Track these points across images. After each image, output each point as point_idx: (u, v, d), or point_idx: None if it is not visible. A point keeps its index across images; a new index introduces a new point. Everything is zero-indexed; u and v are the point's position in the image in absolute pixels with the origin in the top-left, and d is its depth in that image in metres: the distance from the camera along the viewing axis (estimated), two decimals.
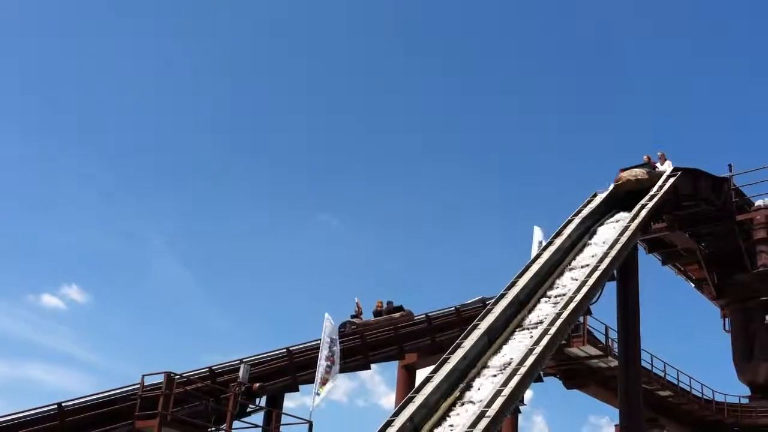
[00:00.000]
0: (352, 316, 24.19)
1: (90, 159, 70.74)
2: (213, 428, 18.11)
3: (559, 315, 15.36)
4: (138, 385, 17.24)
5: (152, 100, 73.15)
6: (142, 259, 71.28)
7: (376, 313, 24.76)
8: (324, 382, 19.51)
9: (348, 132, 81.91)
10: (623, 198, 21.17)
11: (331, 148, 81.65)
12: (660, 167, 21.71)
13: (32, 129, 65.91)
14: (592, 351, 28.99)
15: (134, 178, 72.78)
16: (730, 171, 23.57)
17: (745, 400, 33.30)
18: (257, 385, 18.98)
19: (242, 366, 18.68)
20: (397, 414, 13.17)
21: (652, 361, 31.70)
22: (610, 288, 18.56)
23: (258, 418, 19.63)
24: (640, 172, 20.04)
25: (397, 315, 24.69)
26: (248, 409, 19.30)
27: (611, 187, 21.75)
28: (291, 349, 20.78)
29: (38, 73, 66.61)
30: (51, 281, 74.39)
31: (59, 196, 66.08)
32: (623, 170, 20.23)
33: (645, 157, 22.27)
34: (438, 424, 13.20)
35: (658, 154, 22.39)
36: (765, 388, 23.37)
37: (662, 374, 32.65)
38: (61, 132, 69.02)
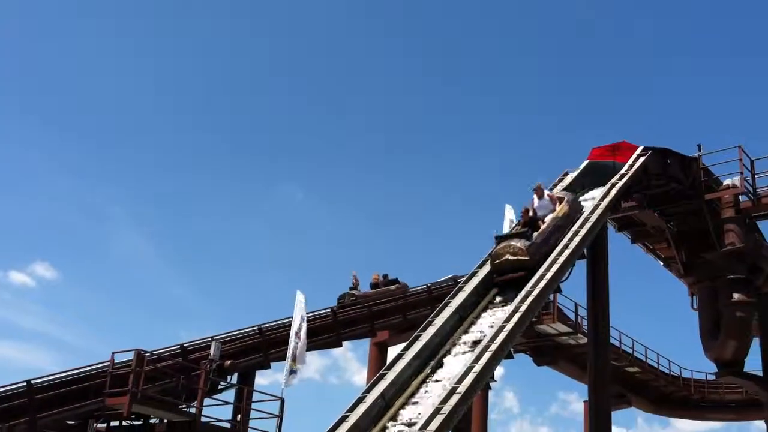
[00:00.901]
0: (351, 289, 24.69)
1: (54, 134, 69.78)
2: (184, 405, 18.09)
3: (530, 293, 15.47)
4: (108, 363, 17.18)
5: (114, 76, 72.20)
6: (110, 236, 70.70)
7: (373, 285, 25.20)
8: (295, 360, 19.54)
9: (313, 110, 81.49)
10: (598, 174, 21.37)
11: (295, 126, 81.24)
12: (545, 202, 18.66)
13: None
14: (562, 328, 29.37)
15: (99, 153, 71.96)
16: (699, 151, 23.74)
17: (711, 377, 33.92)
18: (229, 362, 19.00)
19: (213, 343, 18.68)
20: (368, 391, 13.25)
21: (620, 338, 32.25)
22: (580, 266, 18.73)
23: (229, 395, 19.68)
24: (519, 248, 16.21)
25: (393, 287, 25.16)
26: (220, 386, 19.34)
27: (583, 164, 21.90)
28: (262, 326, 20.80)
29: None
30: (19, 258, 73.54)
31: (22, 172, 65.18)
32: (499, 239, 16.92)
33: (536, 185, 19.04)
34: (409, 400, 13.30)
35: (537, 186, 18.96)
36: (731, 364, 23.67)
37: (630, 351, 33.20)
38: (24, 103, 67.97)
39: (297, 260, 76.64)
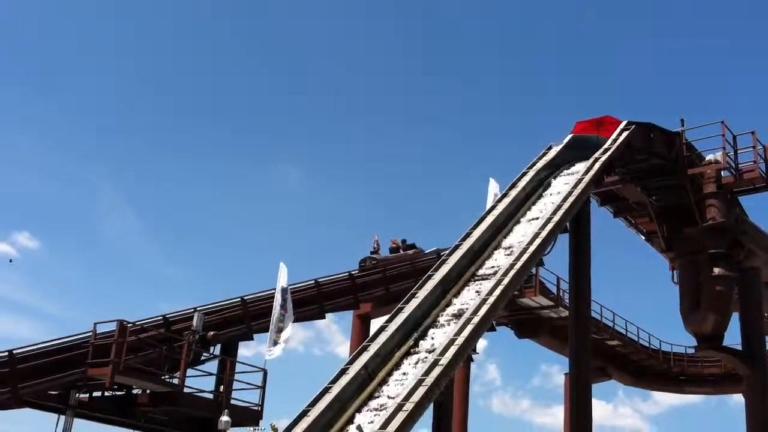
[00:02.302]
0: (372, 253, 25.67)
1: (40, 105, 69.05)
2: (167, 376, 18.09)
3: (512, 266, 15.53)
4: (90, 333, 17.12)
5: (107, 52, 71.44)
6: (94, 208, 70.46)
7: (392, 250, 26.16)
8: (279, 331, 19.56)
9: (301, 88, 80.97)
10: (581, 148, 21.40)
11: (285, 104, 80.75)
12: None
13: None
14: (544, 301, 29.54)
15: (88, 127, 71.41)
16: (682, 126, 23.78)
17: (691, 351, 34.30)
18: (211, 333, 18.99)
19: (196, 314, 18.65)
20: (351, 362, 13.29)
21: (601, 311, 32.48)
22: (563, 239, 18.81)
23: (212, 366, 19.68)
24: None
25: (410, 252, 25.92)
26: (202, 358, 19.33)
27: (567, 138, 21.90)
28: (245, 298, 20.76)
29: None
30: (1, 228, 73.04)
31: (6, 141, 64.53)
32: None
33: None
34: (392, 372, 13.34)
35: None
36: (710, 338, 23.91)
37: (611, 324, 33.45)
38: (9, 77, 67.14)
39: (286, 236, 76.67)
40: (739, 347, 24.69)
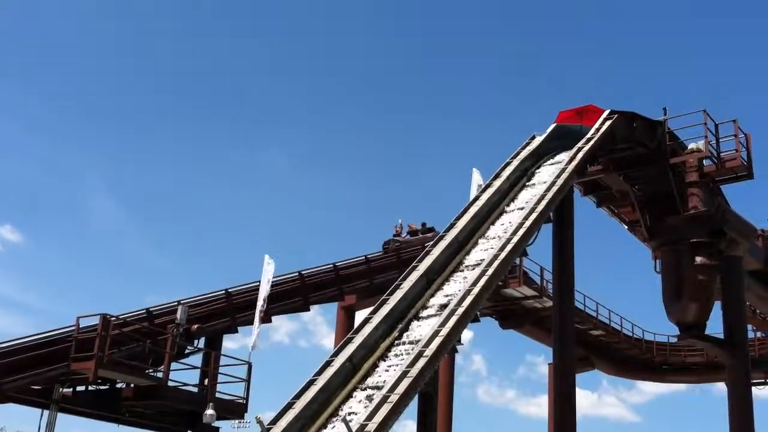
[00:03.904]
0: (394, 236, 26.80)
1: (20, 93, 68.43)
2: (151, 370, 18.04)
3: (496, 256, 15.56)
4: (74, 327, 17.04)
5: (92, 37, 70.88)
6: (77, 198, 69.90)
7: (412, 233, 26.96)
8: (264, 322, 19.54)
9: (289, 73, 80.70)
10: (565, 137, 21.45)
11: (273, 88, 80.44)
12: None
13: None
14: (528, 292, 29.63)
15: (70, 114, 70.86)
16: (665, 114, 23.84)
17: (673, 340, 34.50)
18: (196, 326, 18.93)
19: (180, 307, 18.57)
20: (336, 354, 13.30)
21: (585, 301, 32.61)
22: (546, 229, 18.85)
23: (197, 359, 19.63)
24: None
25: (429, 235, 26.10)
26: (186, 351, 19.28)
27: (551, 128, 21.93)
28: (230, 290, 20.72)
29: None
30: None
31: None
32: None
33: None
34: (377, 363, 13.38)
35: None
36: (692, 327, 24.03)
37: (594, 314, 33.60)
38: None
39: (274, 223, 76.48)
40: (722, 336, 24.85)
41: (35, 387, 16.92)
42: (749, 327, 30.22)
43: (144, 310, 18.92)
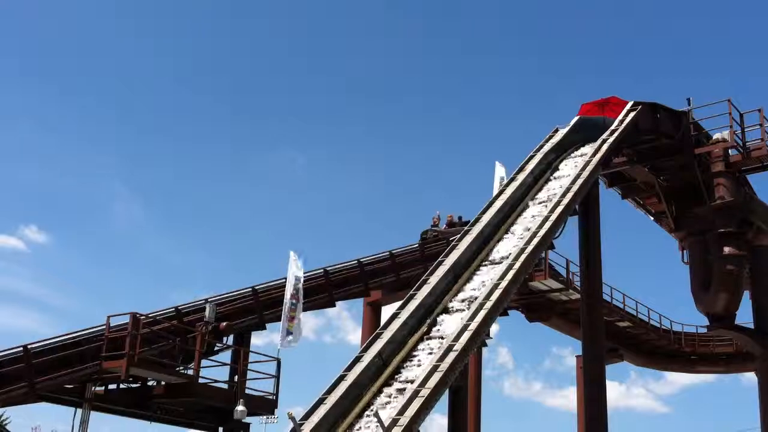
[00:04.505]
0: (432, 226, 27.29)
1: (44, 98, 69.10)
2: (181, 367, 18.17)
3: (523, 250, 15.56)
4: (104, 326, 17.19)
5: (107, 41, 71.38)
6: (101, 199, 70.59)
7: (450, 224, 27.14)
8: (291, 320, 19.61)
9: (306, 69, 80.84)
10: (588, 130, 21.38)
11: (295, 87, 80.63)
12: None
13: None
14: (554, 284, 29.48)
15: (91, 116, 71.42)
16: (689, 105, 23.72)
17: (702, 330, 34.25)
18: (225, 324, 19.01)
19: (208, 305, 18.67)
20: (365, 350, 13.35)
21: (611, 293, 32.41)
22: (571, 222, 18.80)
23: (226, 356, 19.75)
24: None
25: (466, 227, 26.37)
26: (216, 348, 19.38)
27: (573, 121, 21.86)
28: (256, 287, 20.81)
29: None
30: (8, 222, 73.26)
31: (10, 134, 64.60)
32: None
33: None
34: (406, 359, 13.42)
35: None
36: (722, 318, 23.92)
37: (621, 306, 33.40)
38: (9, 69, 67.16)
39: (294, 222, 76.72)
40: (751, 326, 24.69)
41: (68, 386, 17.08)
42: None
43: (173, 309, 19.04)
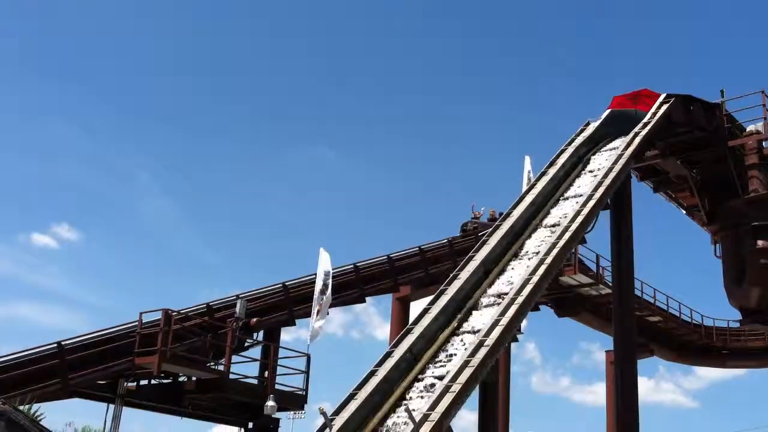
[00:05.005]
0: (473, 218, 28.16)
1: (73, 96, 69.79)
2: (212, 363, 18.26)
3: (555, 244, 15.42)
4: (136, 323, 17.32)
5: (137, 40, 71.93)
6: (132, 196, 71.09)
7: (491, 219, 27.43)
8: (317, 314, 19.64)
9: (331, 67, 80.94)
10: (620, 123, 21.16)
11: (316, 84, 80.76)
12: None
13: (9, 62, 64.65)
14: (584, 279, 29.29)
15: (122, 114, 71.99)
16: (722, 97, 23.43)
17: (734, 324, 33.87)
18: (255, 320, 19.10)
19: (239, 302, 18.75)
20: (396, 345, 13.31)
21: (642, 287, 32.14)
22: (602, 216, 18.59)
23: (256, 352, 19.83)
24: None
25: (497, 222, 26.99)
26: (246, 344, 19.47)
27: (605, 114, 21.66)
28: (286, 284, 20.87)
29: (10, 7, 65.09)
30: (40, 220, 74.03)
31: (43, 133, 65.31)
32: None
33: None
34: (437, 354, 13.35)
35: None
36: (755, 312, 23.63)
37: (652, 300, 33.12)
38: (43, 68, 67.89)
39: (324, 220, 76.91)
40: None
41: (100, 382, 17.23)
42: None
43: (204, 305, 19.15)
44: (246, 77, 78.25)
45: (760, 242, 22.59)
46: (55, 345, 15.91)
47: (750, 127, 23.38)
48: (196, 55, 75.96)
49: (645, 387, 68.72)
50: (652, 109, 20.88)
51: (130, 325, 17.45)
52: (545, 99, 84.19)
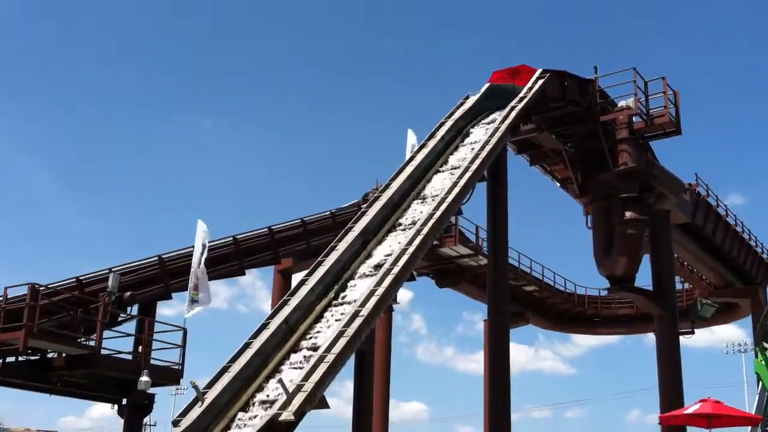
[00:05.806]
0: (374, 189, 26.30)
1: None
2: (83, 339, 17.70)
3: (431, 215, 15.60)
4: (1, 298, 16.60)
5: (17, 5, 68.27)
6: (2, 166, 67.80)
7: None
8: (197, 289, 19.24)
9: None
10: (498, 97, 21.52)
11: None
12: None
13: None
14: (464, 250, 29.81)
15: None
16: (596, 73, 24.16)
17: (604, 293, 35.29)
18: (128, 293, 18.57)
19: (111, 275, 18.20)
20: (272, 317, 13.22)
21: (519, 258, 33.01)
22: (480, 188, 18.96)
23: (131, 327, 19.31)
24: None
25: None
26: (119, 318, 18.91)
27: (484, 88, 21.97)
28: (163, 256, 20.35)
29: None
30: None
31: None
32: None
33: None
34: (313, 324, 13.35)
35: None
36: (623, 280, 24.64)
37: (528, 270, 34.10)
38: None
39: (202, 189, 75.47)
40: (650, 288, 25.52)
41: None
42: (677, 279, 31.15)
43: (74, 279, 18.49)
44: (121, 41, 75.58)
45: (627, 213, 23.52)
46: None
47: (621, 103, 24.22)
48: (67, 13, 72.75)
49: (525, 355, 71.12)
50: (528, 84, 21.33)
51: None
52: (427, 75, 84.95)
